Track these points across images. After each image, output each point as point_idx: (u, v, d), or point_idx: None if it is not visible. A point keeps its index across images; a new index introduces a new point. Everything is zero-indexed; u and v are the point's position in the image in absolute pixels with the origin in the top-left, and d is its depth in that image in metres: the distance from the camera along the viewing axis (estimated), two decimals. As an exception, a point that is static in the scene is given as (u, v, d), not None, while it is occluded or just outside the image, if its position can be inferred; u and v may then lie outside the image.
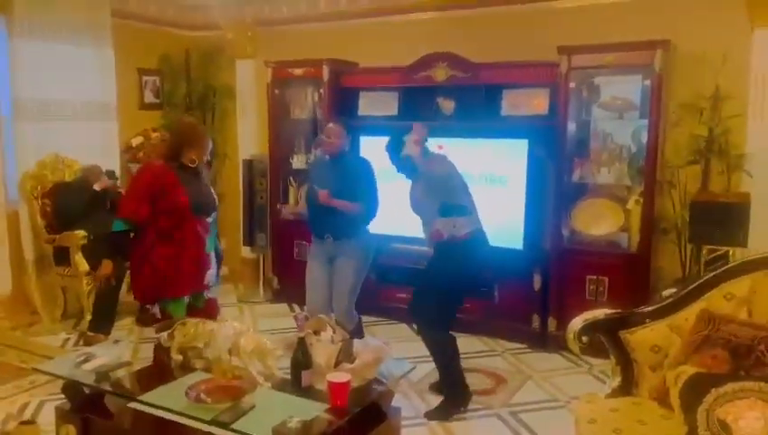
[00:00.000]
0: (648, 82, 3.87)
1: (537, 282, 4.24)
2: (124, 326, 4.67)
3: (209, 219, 3.46)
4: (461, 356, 3.41)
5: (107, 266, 4.34)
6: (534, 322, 4.27)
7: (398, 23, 5.02)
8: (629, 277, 3.96)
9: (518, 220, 4.32)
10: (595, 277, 4.05)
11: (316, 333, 2.57)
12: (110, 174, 4.82)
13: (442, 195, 3.23)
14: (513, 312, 4.35)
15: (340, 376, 2.29)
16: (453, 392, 3.32)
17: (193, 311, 3.45)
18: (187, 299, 3.40)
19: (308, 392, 2.43)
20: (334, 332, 2.62)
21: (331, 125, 3.63)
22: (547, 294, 4.24)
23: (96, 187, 4.53)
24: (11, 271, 4.69)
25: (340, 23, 5.27)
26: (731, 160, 3.81)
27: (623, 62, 3.89)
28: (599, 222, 4.19)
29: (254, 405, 2.32)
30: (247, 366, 2.48)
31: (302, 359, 2.43)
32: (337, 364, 2.44)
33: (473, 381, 3.53)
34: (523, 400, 3.52)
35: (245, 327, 2.66)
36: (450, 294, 3.29)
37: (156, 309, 3.47)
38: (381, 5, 5.03)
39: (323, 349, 2.49)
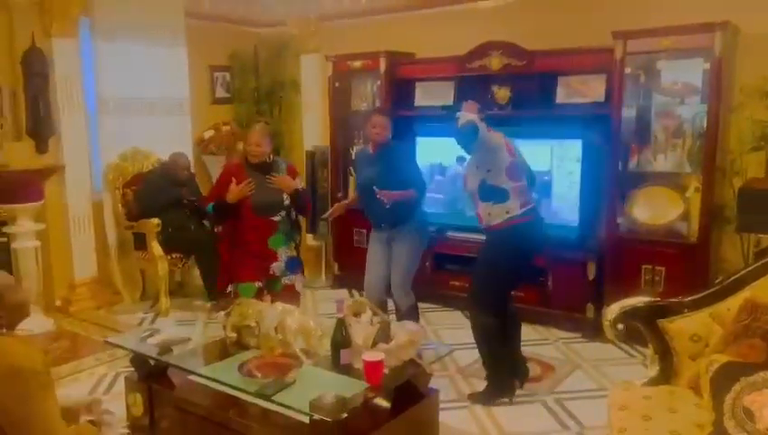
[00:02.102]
0: (707, 66, 3.74)
1: (591, 271, 4.20)
2: (201, 308, 4.99)
3: (276, 218, 3.72)
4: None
5: None
6: (588, 311, 4.24)
7: (454, 13, 5.06)
8: (688, 267, 3.86)
9: (573, 208, 4.29)
10: (651, 267, 3.97)
11: (356, 315, 2.70)
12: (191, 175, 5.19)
13: (485, 169, 3.21)
14: (567, 301, 4.33)
15: (374, 355, 2.41)
16: (494, 379, 3.36)
17: (272, 296, 3.76)
18: (258, 284, 3.72)
19: (347, 370, 2.58)
20: (374, 314, 2.74)
21: (376, 117, 3.71)
22: (602, 283, 4.19)
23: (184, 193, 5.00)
24: (96, 256, 5.11)
25: (398, 14, 5.36)
26: (798, 146, 3.63)
27: (681, 46, 3.78)
28: (657, 210, 4.09)
29: (296, 380, 2.48)
30: (291, 344, 2.65)
31: (341, 338, 2.56)
32: (374, 345, 2.57)
33: (521, 367, 3.56)
34: (570, 388, 3.52)
35: (292, 308, 2.83)
36: (492, 279, 3.30)
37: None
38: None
39: (362, 330, 2.62)
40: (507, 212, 3.21)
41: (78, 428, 2.03)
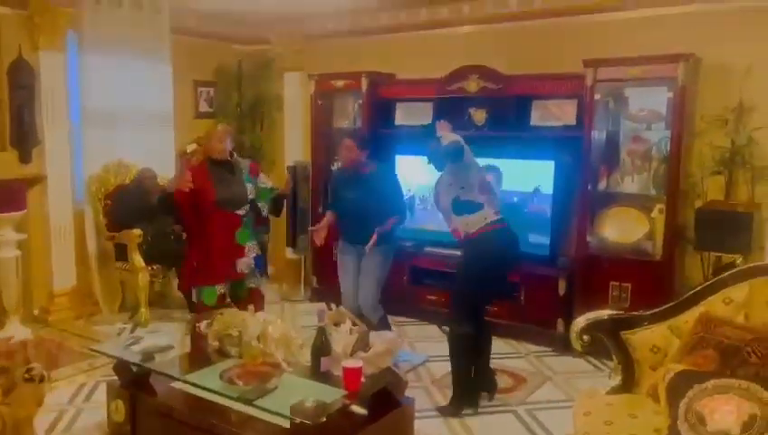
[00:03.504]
0: (671, 94, 3.96)
1: (562, 287, 4.37)
2: (181, 319, 5.02)
3: (240, 212, 3.77)
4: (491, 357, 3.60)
5: None
6: (559, 326, 4.39)
7: (434, 37, 5.25)
8: (653, 284, 4.04)
9: (544, 227, 4.47)
10: (618, 283, 4.15)
11: (336, 324, 2.82)
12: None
13: (458, 186, 3.33)
14: (538, 316, 4.48)
15: (353, 362, 2.52)
16: (459, 392, 3.45)
17: (236, 301, 3.80)
18: (220, 289, 3.76)
19: (326, 378, 2.68)
20: (354, 324, 2.85)
21: (345, 140, 3.87)
22: (572, 299, 4.35)
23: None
24: (76, 266, 5.13)
25: (380, 37, 5.53)
26: (755, 172, 3.86)
27: (648, 75, 3.99)
28: (624, 230, 4.28)
29: (277, 386, 2.58)
30: (273, 352, 2.75)
31: (321, 346, 2.67)
32: (353, 353, 2.68)
33: (493, 379, 3.69)
34: (541, 399, 3.66)
35: (274, 317, 2.93)
36: (470, 287, 3.39)
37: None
38: (418, 21, 5.27)
39: (342, 339, 2.74)
40: (485, 218, 3.34)
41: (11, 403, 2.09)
